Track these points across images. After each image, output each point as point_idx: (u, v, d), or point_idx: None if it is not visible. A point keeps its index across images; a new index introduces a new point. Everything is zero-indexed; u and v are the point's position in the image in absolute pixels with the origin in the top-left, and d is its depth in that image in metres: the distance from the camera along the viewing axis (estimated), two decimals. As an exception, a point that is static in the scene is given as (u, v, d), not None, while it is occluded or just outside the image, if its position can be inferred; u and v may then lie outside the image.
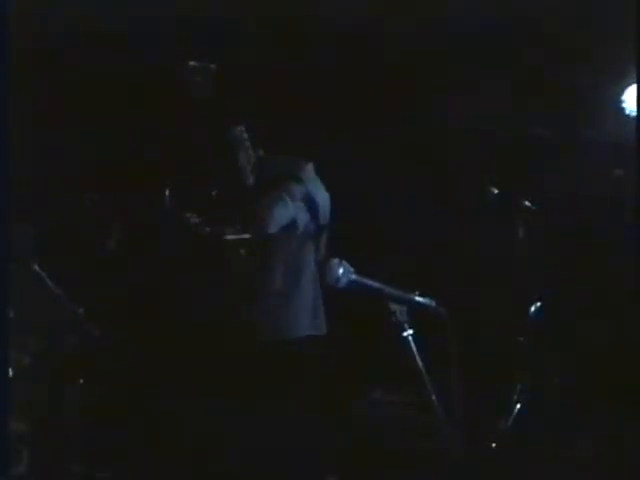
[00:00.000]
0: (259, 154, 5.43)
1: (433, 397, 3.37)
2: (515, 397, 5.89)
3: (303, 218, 5.33)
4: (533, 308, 6.01)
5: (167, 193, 6.58)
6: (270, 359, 5.25)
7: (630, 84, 6.06)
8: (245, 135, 5.39)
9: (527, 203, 5.96)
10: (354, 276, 3.45)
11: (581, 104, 6.35)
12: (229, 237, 6.50)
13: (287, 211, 5.30)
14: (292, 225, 5.32)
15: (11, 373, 4.95)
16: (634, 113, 6.02)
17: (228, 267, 6.08)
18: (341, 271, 3.43)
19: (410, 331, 3.44)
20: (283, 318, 5.36)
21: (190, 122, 6.33)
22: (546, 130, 6.49)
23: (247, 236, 6.34)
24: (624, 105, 6.12)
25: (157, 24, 6.44)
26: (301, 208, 5.33)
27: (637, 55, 5.58)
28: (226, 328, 5.66)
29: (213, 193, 6.68)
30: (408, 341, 3.41)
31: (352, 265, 3.48)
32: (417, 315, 3.45)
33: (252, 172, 5.41)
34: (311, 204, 5.36)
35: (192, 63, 6.23)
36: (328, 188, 5.52)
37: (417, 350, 3.43)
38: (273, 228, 5.28)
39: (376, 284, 3.47)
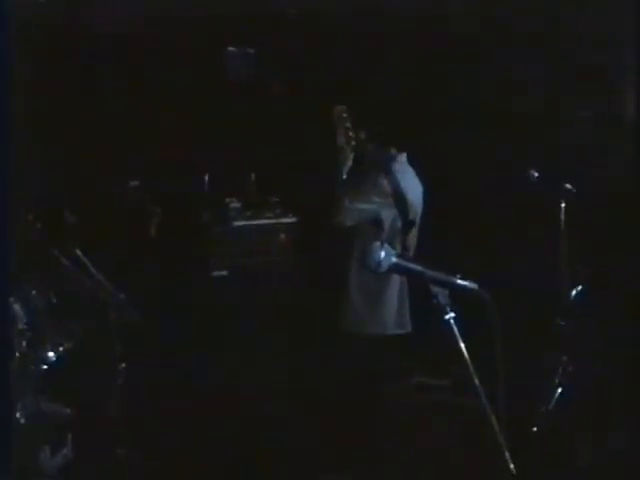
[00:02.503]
0: (360, 137, 5.40)
1: (476, 381, 3.35)
2: (557, 381, 5.86)
3: (389, 214, 5.34)
4: (574, 291, 5.97)
5: (206, 178, 6.63)
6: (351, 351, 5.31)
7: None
8: (345, 115, 5.36)
9: (568, 186, 5.91)
10: (395, 259, 3.43)
11: (626, 88, 6.30)
12: (269, 222, 6.55)
13: (369, 207, 5.32)
14: (377, 221, 5.33)
15: (54, 358, 5.01)
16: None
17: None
18: (383, 254, 3.41)
19: (452, 314, 3.41)
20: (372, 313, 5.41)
21: (231, 108, 6.36)
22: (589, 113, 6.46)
23: (288, 220, 6.37)
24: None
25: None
26: (388, 204, 5.34)
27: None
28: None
29: (252, 177, 6.72)
30: (450, 324, 3.39)
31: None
32: (459, 298, 3.43)
33: (351, 155, 5.36)
34: (400, 199, 5.36)
35: (231, 48, 6.27)
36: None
37: (459, 333, 3.40)
38: (349, 222, 5.30)
39: (418, 267, 3.44)
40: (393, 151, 5.46)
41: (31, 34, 5.85)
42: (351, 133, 5.34)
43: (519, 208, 6.37)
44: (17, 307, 4.93)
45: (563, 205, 5.89)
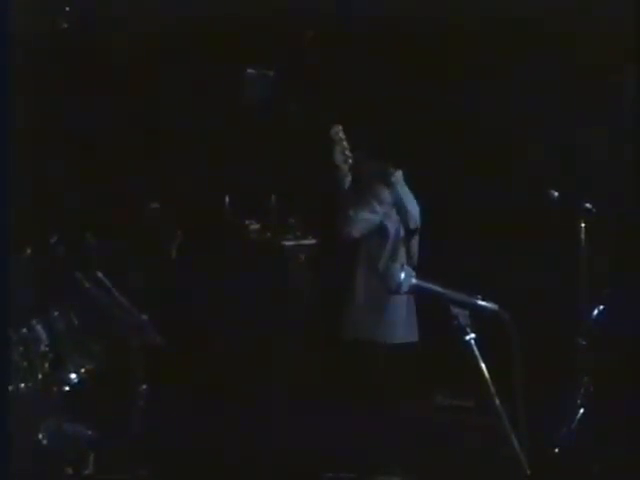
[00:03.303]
0: (356, 155, 5.53)
1: (497, 401, 3.35)
2: (578, 401, 5.84)
3: (393, 223, 5.48)
4: (595, 311, 5.95)
5: (227, 200, 6.65)
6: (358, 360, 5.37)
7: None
8: (342, 135, 5.48)
9: (588, 205, 5.90)
10: (416, 280, 3.45)
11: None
12: (288, 243, 6.56)
13: (374, 217, 5.45)
14: (382, 231, 5.46)
15: (76, 379, 5.03)
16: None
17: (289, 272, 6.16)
18: (403, 276, 3.43)
19: (472, 335, 3.41)
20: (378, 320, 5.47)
21: (254, 128, 6.40)
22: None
23: (307, 242, 6.39)
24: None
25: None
26: (390, 214, 5.49)
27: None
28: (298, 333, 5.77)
29: (273, 200, 6.74)
30: (471, 345, 3.39)
31: (414, 269, 3.48)
32: (480, 319, 3.43)
33: (349, 172, 5.50)
34: (401, 209, 5.51)
35: (250, 70, 6.31)
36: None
37: (480, 354, 3.41)
38: (356, 233, 5.43)
39: (438, 288, 3.46)
40: (391, 167, 5.61)
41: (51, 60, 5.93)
42: (348, 152, 5.46)
43: (539, 228, 6.36)
44: (39, 329, 4.96)
45: (583, 225, 5.89)
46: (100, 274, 5.17)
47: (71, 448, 4.91)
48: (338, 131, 5.48)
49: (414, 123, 6.45)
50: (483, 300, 3.48)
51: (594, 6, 6.26)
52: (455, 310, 3.42)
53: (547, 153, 6.50)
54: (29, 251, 5.12)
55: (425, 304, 5.28)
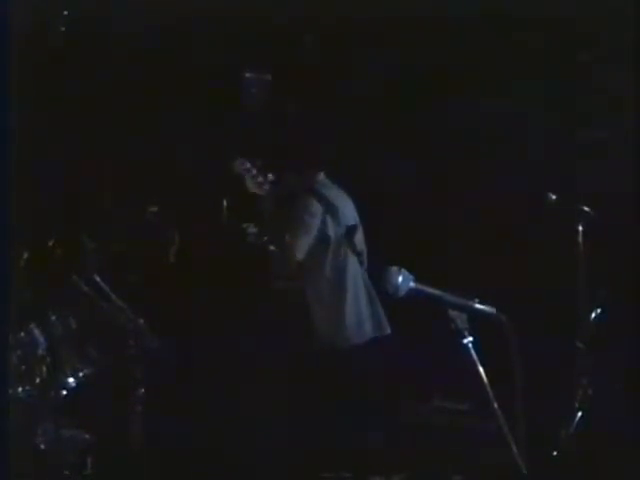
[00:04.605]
0: (270, 178, 5.43)
1: (495, 405, 3.35)
2: (577, 404, 5.84)
3: (330, 226, 5.39)
4: (594, 314, 5.95)
5: (224, 204, 6.65)
6: (331, 366, 5.30)
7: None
8: (247, 165, 5.41)
9: (586, 208, 5.90)
10: (413, 284, 3.45)
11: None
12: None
13: (311, 231, 5.37)
14: (323, 238, 5.39)
15: (74, 383, 5.03)
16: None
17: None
18: (400, 279, 3.43)
19: (470, 338, 3.42)
20: (339, 324, 5.41)
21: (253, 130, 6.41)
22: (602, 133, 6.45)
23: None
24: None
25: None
26: (325, 219, 5.39)
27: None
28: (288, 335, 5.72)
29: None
30: (468, 348, 3.39)
31: (411, 273, 3.48)
32: (477, 322, 3.43)
33: (268, 196, 5.41)
34: (333, 211, 5.41)
35: (249, 75, 6.28)
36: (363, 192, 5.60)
37: (477, 357, 3.41)
38: (301, 254, 5.36)
39: (436, 291, 3.46)
40: (310, 174, 5.53)
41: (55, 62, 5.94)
42: (260, 178, 5.39)
43: (537, 231, 6.36)
44: (37, 333, 4.96)
45: (581, 228, 5.89)
46: (98, 278, 5.17)
47: (69, 452, 4.91)
48: (242, 164, 5.41)
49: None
50: (481, 303, 3.48)
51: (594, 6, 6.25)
52: (453, 313, 3.42)
53: (546, 155, 6.49)
54: (27, 255, 5.12)
55: (423, 307, 5.23)
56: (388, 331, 5.50)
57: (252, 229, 6.62)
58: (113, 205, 6.27)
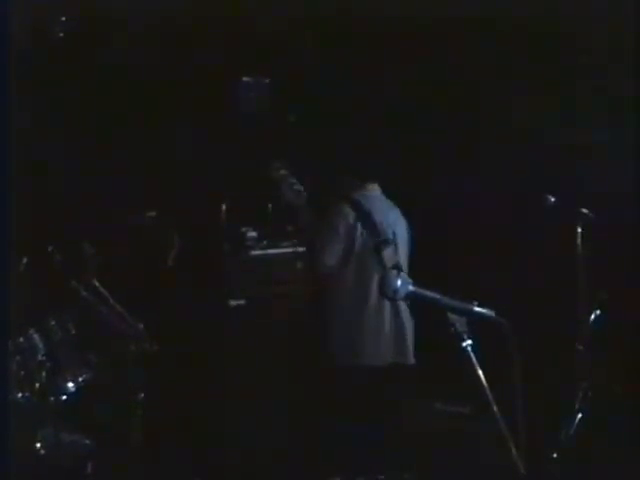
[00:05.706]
0: (305, 187, 5.16)
1: (494, 408, 3.35)
2: (576, 406, 5.84)
3: (360, 237, 5.16)
4: (593, 316, 5.95)
5: (224, 208, 6.65)
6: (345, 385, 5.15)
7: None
8: (283, 172, 5.15)
9: (585, 210, 5.90)
10: (412, 287, 3.45)
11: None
12: (286, 251, 6.56)
13: (339, 238, 5.14)
14: (349, 248, 5.16)
15: (73, 388, 5.03)
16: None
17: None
18: (399, 283, 3.44)
19: (469, 342, 3.42)
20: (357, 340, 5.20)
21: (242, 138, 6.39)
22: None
23: (305, 249, 6.36)
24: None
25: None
26: (356, 227, 5.16)
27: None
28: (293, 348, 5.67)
29: (269, 207, 6.73)
30: (468, 352, 3.40)
31: (410, 276, 3.49)
32: (476, 326, 3.44)
33: (309, 208, 5.15)
34: (367, 220, 5.17)
35: (246, 79, 6.26)
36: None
37: (477, 361, 3.41)
38: (330, 262, 5.14)
39: (434, 295, 3.47)
40: (357, 181, 5.33)
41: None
42: (297, 186, 5.11)
43: (535, 233, 6.36)
44: (36, 338, 4.96)
45: (580, 230, 5.89)
46: (97, 283, 5.17)
47: (69, 457, 4.91)
48: (279, 168, 5.15)
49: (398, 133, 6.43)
50: (480, 306, 3.49)
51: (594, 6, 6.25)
52: (452, 317, 3.43)
53: (545, 156, 6.49)
54: (26, 260, 5.12)
55: (421, 311, 5.21)
56: (412, 361, 5.29)
57: (251, 232, 6.63)
58: (112, 209, 6.27)
